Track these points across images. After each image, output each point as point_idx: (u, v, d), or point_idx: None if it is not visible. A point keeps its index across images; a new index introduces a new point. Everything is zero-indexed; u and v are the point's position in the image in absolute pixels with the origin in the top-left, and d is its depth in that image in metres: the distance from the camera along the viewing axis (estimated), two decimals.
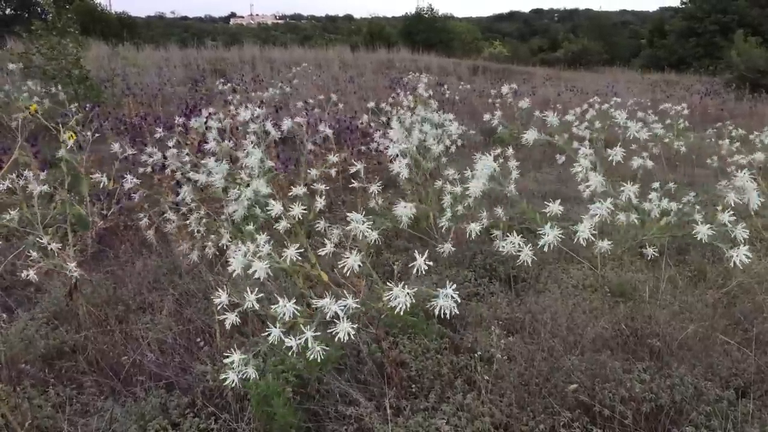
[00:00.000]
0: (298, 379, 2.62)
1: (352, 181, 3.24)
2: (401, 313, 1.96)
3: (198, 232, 3.18)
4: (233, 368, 1.87)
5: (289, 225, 2.41)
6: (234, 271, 2.09)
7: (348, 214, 2.14)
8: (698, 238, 2.33)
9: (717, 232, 2.35)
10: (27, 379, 2.62)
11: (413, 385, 2.61)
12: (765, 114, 14.43)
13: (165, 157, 3.64)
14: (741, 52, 20.29)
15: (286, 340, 1.79)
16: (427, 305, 2.87)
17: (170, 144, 3.53)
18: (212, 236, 3.29)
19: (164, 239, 4.06)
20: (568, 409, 2.39)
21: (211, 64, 16.56)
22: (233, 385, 1.85)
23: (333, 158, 3.43)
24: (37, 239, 2.89)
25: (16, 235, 3.89)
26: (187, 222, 3.30)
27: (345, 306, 1.79)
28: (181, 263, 3.73)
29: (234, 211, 2.98)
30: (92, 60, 12.57)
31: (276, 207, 2.39)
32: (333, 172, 3.42)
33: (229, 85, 9.20)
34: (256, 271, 2.05)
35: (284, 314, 1.82)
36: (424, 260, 1.92)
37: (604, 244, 2.68)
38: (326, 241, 2.16)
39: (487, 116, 3.99)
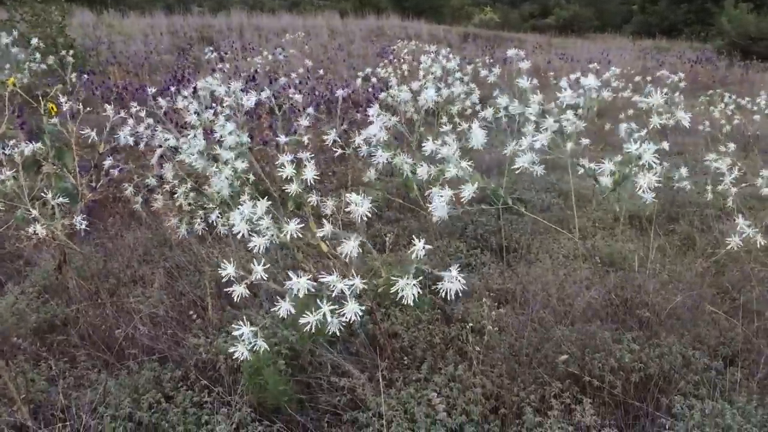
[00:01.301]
0: (290, 351, 2.63)
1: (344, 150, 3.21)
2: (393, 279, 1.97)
3: (186, 206, 3.16)
4: (242, 341, 1.88)
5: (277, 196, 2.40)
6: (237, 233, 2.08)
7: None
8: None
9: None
10: (20, 353, 2.62)
11: (405, 357, 2.63)
12: (756, 81, 14.42)
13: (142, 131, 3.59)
14: (732, 19, 20.20)
15: (302, 317, 1.79)
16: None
17: (158, 113, 3.50)
18: (200, 212, 3.27)
19: (153, 211, 4.04)
20: (558, 380, 2.42)
21: (198, 32, 16.30)
22: (243, 357, 1.85)
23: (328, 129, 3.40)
24: (26, 212, 2.86)
25: (2, 209, 3.85)
26: (174, 197, 3.28)
27: (352, 285, 1.78)
28: (171, 236, 3.71)
29: (219, 189, 2.95)
30: (77, 27, 12.35)
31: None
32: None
33: (215, 54, 9.08)
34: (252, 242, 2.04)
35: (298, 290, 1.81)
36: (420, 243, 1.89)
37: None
38: (324, 221, 2.14)
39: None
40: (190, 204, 3.17)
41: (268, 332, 2.71)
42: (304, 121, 3.15)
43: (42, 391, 2.43)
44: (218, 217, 2.96)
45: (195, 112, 3.18)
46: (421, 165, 2.58)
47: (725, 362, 2.63)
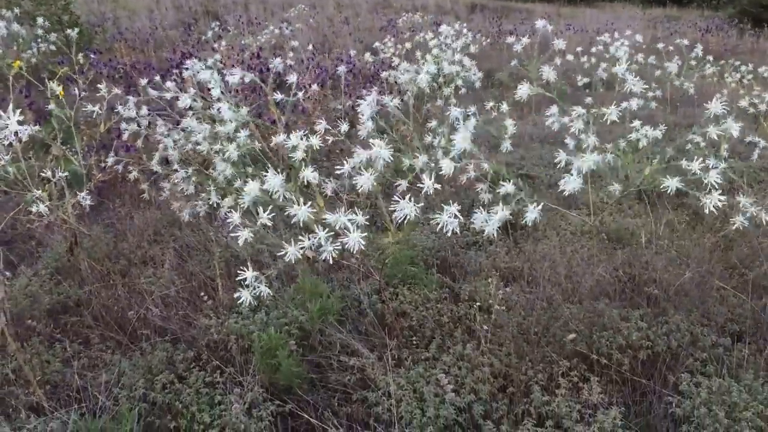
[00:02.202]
0: (300, 331, 2.66)
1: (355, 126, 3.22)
2: (401, 258, 1.99)
3: (189, 190, 3.19)
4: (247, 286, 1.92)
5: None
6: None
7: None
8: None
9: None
10: (34, 335, 2.66)
11: (414, 336, 2.65)
12: (767, 49, 14.22)
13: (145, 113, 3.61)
14: None
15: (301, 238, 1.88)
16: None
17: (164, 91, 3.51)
18: (202, 194, 3.30)
19: (161, 192, 4.06)
20: (566, 358, 2.44)
21: (203, 6, 16.14)
22: (248, 302, 1.88)
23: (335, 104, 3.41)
24: (35, 195, 2.89)
25: (14, 189, 3.88)
26: (176, 182, 3.31)
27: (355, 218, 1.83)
28: (180, 216, 3.73)
29: (222, 170, 2.98)
30: (82, 3, 12.27)
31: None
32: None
33: (217, 29, 9.04)
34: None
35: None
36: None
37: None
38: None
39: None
40: (196, 187, 3.19)
41: (278, 312, 2.75)
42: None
43: (57, 371, 2.47)
44: (219, 199, 2.99)
45: (192, 98, 3.19)
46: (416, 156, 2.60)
47: (733, 339, 2.63)
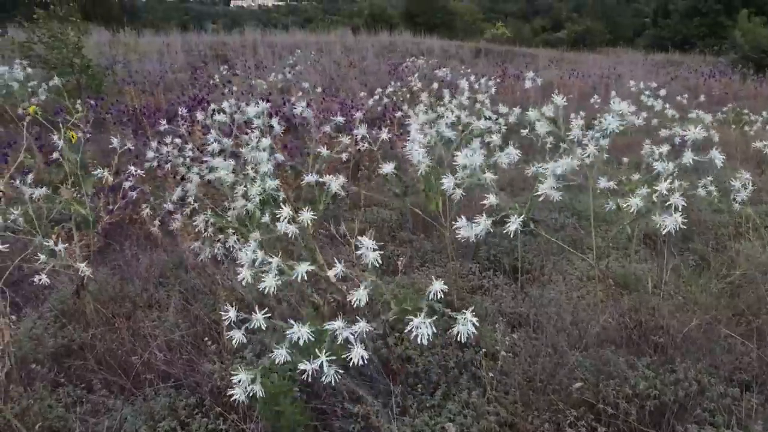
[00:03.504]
0: (304, 376, 2.64)
1: (359, 169, 3.27)
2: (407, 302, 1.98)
3: (205, 230, 3.20)
4: (240, 386, 1.91)
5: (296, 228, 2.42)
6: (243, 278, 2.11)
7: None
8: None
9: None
10: (37, 378, 2.65)
11: (419, 383, 2.63)
12: None
13: (165, 152, 3.66)
14: (745, 32, 20.10)
15: (300, 365, 1.84)
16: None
17: (171, 140, 3.56)
18: (220, 236, 3.31)
19: (169, 233, 4.08)
20: (572, 407, 2.41)
21: (212, 50, 16.49)
22: (241, 399, 1.88)
23: (346, 141, 3.46)
24: (44, 241, 2.91)
25: (23, 230, 3.91)
26: (192, 221, 3.32)
27: (358, 331, 1.82)
28: (187, 258, 3.74)
29: (243, 206, 2.98)
30: (93, 47, 12.52)
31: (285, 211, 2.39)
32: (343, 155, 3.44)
33: (226, 72, 9.19)
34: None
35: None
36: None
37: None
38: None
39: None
40: (212, 225, 3.20)
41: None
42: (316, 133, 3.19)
43: (60, 417, 2.45)
44: (235, 243, 2.99)
45: (215, 140, 3.24)
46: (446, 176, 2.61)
47: (741, 388, 2.60)
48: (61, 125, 3.31)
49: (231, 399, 2.51)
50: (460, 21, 33.62)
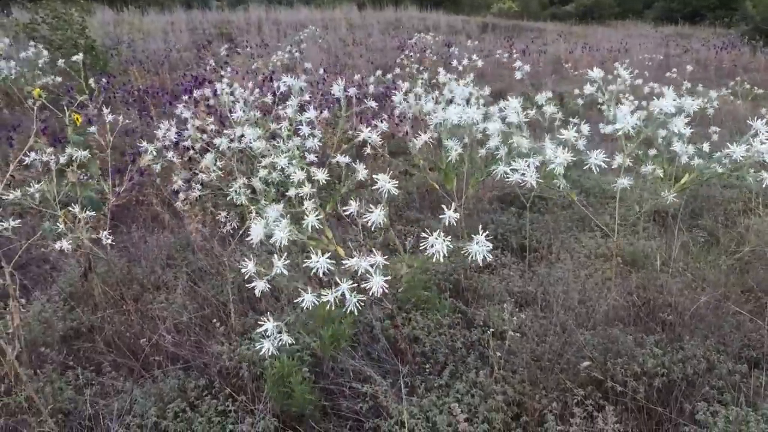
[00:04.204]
0: (312, 357, 2.66)
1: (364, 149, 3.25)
2: (414, 283, 1.98)
3: (224, 202, 3.19)
4: (268, 337, 1.89)
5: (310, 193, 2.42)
6: (252, 240, 2.10)
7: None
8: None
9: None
10: (47, 362, 2.67)
11: (427, 363, 2.64)
12: None
13: (179, 133, 3.65)
14: (757, 4, 19.78)
15: (323, 294, 1.84)
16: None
17: (185, 116, 3.56)
18: (223, 213, 3.30)
19: (176, 215, 4.09)
20: (580, 386, 2.41)
21: (216, 28, 16.37)
22: (270, 353, 1.87)
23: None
24: (54, 221, 2.92)
25: (30, 213, 3.92)
26: (202, 200, 3.32)
27: (375, 263, 1.81)
28: (194, 239, 3.75)
29: (268, 174, 2.97)
30: (97, 27, 12.47)
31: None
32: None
33: (228, 52, 9.14)
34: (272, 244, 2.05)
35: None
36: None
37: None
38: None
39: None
40: (220, 203, 3.19)
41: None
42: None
43: (70, 399, 2.47)
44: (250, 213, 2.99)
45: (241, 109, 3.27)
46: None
47: (749, 365, 2.60)
48: (65, 108, 3.30)
49: (240, 380, 2.54)
50: None
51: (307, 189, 2.47)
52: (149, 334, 2.87)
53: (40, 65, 7.22)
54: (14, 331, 2.53)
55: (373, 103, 3.32)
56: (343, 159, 2.72)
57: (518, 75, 4.20)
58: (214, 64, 8.29)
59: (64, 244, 2.79)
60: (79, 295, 3.30)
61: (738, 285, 3.38)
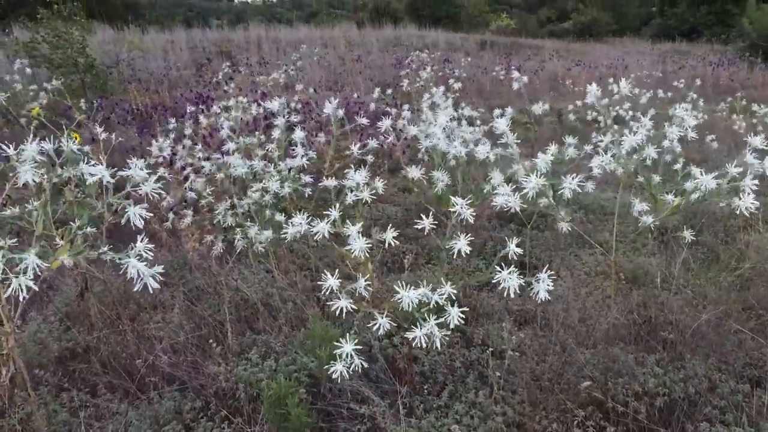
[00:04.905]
0: (310, 378, 2.63)
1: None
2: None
3: (216, 223, 3.18)
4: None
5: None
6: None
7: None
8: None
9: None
10: (42, 383, 2.64)
11: (426, 383, 2.61)
12: None
13: (174, 153, 3.65)
14: (753, 20, 19.90)
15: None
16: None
17: (182, 135, 3.55)
18: (209, 237, 3.29)
19: (174, 233, 4.07)
20: (580, 406, 2.38)
21: (216, 46, 16.45)
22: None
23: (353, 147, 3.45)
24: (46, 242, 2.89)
25: (27, 231, 3.90)
26: (206, 215, 3.30)
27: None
28: (191, 258, 3.73)
29: (260, 197, 2.96)
30: (97, 45, 12.52)
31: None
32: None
33: (229, 69, 9.17)
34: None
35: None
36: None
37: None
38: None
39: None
40: (218, 222, 3.18)
41: (287, 359, 2.71)
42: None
43: (64, 422, 2.44)
44: (257, 233, 2.98)
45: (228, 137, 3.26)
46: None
47: (751, 384, 2.57)
48: (64, 127, 3.30)
49: (236, 401, 2.51)
50: (465, 13, 33.43)
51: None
52: (145, 354, 2.84)
53: (32, 88, 7.23)
54: (8, 353, 2.50)
55: (364, 121, 3.30)
56: (331, 183, 2.66)
57: (515, 86, 4.21)
58: (216, 80, 8.32)
59: (66, 261, 2.76)
60: (75, 314, 3.28)
61: (739, 302, 3.36)
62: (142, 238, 1.78)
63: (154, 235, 4.28)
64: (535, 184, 2.31)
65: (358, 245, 1.87)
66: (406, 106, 4.04)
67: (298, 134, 3.08)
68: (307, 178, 3.02)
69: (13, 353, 2.51)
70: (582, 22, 32.37)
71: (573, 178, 2.38)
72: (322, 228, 1.92)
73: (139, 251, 1.75)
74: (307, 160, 3.12)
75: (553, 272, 3.70)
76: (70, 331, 3.10)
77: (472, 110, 3.91)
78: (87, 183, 3.42)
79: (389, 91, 6.20)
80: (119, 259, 1.78)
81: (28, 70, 7.50)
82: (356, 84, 11.04)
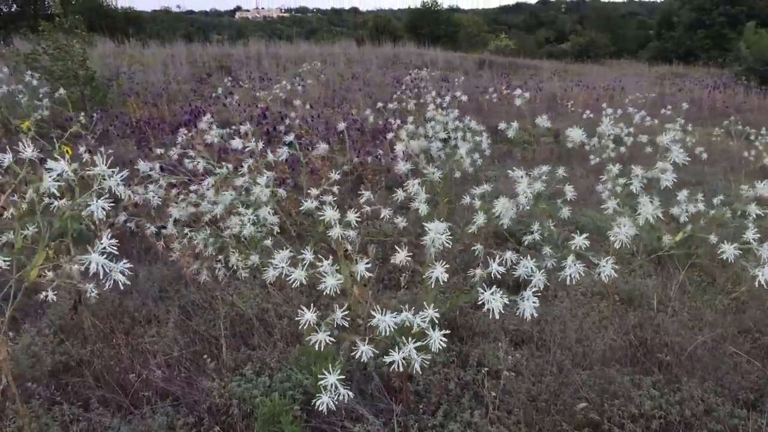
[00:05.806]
0: (304, 395, 2.61)
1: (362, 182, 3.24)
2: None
3: (204, 250, 3.16)
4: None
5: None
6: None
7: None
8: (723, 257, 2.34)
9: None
10: (34, 396, 2.62)
11: (420, 402, 2.59)
12: None
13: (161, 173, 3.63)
14: (750, 44, 20.08)
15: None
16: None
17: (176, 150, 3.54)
18: (220, 256, 3.28)
19: (169, 247, 4.05)
20: (576, 427, 2.37)
21: (216, 61, 16.52)
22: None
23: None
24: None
25: (24, 245, 3.88)
26: (191, 240, 3.28)
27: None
28: (186, 273, 3.71)
29: (239, 231, 2.95)
30: (98, 58, 12.55)
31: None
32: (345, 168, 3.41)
33: (229, 84, 9.19)
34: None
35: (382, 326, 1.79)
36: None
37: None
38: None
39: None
40: (210, 245, 3.17)
41: (282, 375, 2.70)
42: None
43: None
44: (237, 260, 2.96)
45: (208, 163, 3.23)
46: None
47: (747, 408, 2.56)
48: (54, 140, 3.30)
49: (230, 417, 2.49)
50: (464, 33, 33.73)
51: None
52: (139, 368, 2.82)
53: (24, 99, 7.24)
54: (0, 365, 2.48)
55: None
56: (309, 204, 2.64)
57: (518, 102, 4.24)
58: (220, 92, 8.35)
59: (50, 275, 2.75)
60: (69, 327, 3.26)
61: (735, 325, 3.36)
62: (109, 235, 1.75)
63: (150, 249, 4.27)
64: (508, 214, 2.35)
65: (330, 282, 1.87)
66: (410, 119, 4.06)
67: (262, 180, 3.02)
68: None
69: (5, 366, 2.49)
70: (580, 43, 32.66)
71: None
72: (299, 275, 1.91)
73: (104, 246, 1.70)
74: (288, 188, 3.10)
75: (549, 292, 3.71)
76: (64, 344, 3.08)
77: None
78: (43, 181, 3.42)
79: (390, 105, 6.23)
80: (81, 261, 1.75)
81: (35, 82, 7.51)
82: (355, 100, 11.07)
